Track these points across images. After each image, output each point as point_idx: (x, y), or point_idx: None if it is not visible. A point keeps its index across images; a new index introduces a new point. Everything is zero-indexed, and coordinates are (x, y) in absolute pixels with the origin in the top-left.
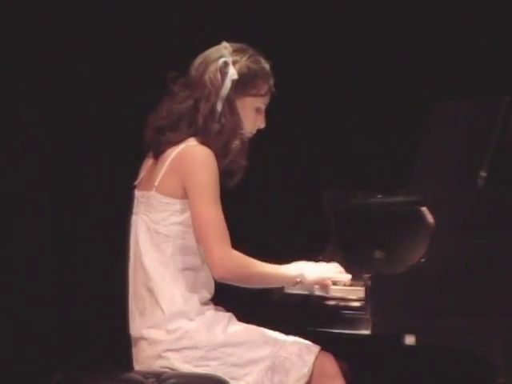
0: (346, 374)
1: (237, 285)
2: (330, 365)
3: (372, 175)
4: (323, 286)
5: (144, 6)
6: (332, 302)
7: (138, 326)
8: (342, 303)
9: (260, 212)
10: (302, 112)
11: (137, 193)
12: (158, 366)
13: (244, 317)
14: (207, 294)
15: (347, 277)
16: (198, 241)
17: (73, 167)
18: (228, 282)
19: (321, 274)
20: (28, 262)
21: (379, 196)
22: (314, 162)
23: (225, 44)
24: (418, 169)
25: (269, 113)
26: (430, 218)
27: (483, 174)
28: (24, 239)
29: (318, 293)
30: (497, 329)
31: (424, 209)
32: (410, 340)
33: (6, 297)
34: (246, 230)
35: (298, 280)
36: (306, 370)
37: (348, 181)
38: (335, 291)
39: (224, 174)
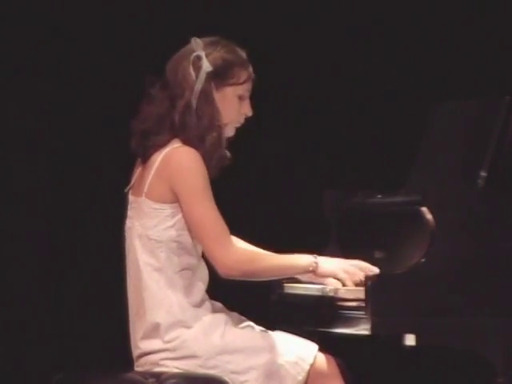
0: (344, 375)
1: (246, 280)
2: (329, 366)
3: (372, 175)
4: (338, 278)
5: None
6: (331, 302)
7: (135, 332)
8: (342, 303)
9: (260, 212)
10: (303, 111)
11: (130, 197)
12: (156, 370)
13: (244, 317)
14: (203, 286)
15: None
16: (198, 242)
17: (71, 171)
18: (235, 279)
19: (336, 265)
20: (28, 262)
21: (379, 196)
22: (314, 162)
23: (196, 39)
24: (417, 169)
25: (270, 112)
26: (430, 218)
27: (483, 174)
28: (23, 239)
29: (328, 289)
30: (497, 329)
31: (424, 209)
32: (409, 340)
33: (5, 297)
34: (245, 229)
35: (311, 269)
36: (300, 379)
37: (348, 181)
38: (335, 291)
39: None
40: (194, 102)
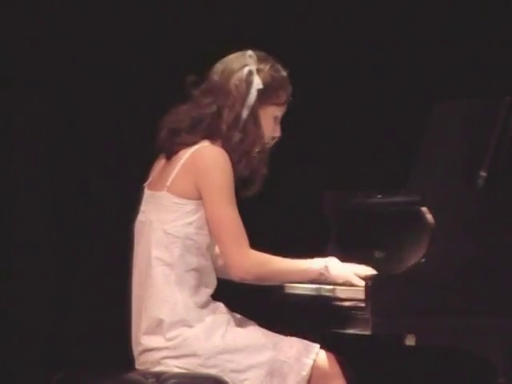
0: (346, 374)
1: (258, 284)
2: (331, 365)
3: (372, 175)
4: (348, 280)
5: (156, 9)
6: (332, 302)
7: (137, 327)
8: (342, 303)
9: (260, 212)
10: (302, 112)
11: (146, 192)
12: (156, 370)
13: (244, 317)
14: (210, 290)
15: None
16: (216, 241)
17: (74, 168)
18: (248, 283)
19: (347, 269)
20: (28, 262)
21: (379, 196)
22: (314, 162)
23: (250, 52)
24: (418, 169)
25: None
26: (430, 218)
27: (483, 173)
28: (24, 239)
29: (328, 289)
30: (497, 329)
31: (424, 209)
32: (410, 340)
33: (5, 297)
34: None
35: (322, 272)
36: (304, 374)
37: (348, 181)
38: (335, 291)
39: (243, 183)
40: (244, 116)
